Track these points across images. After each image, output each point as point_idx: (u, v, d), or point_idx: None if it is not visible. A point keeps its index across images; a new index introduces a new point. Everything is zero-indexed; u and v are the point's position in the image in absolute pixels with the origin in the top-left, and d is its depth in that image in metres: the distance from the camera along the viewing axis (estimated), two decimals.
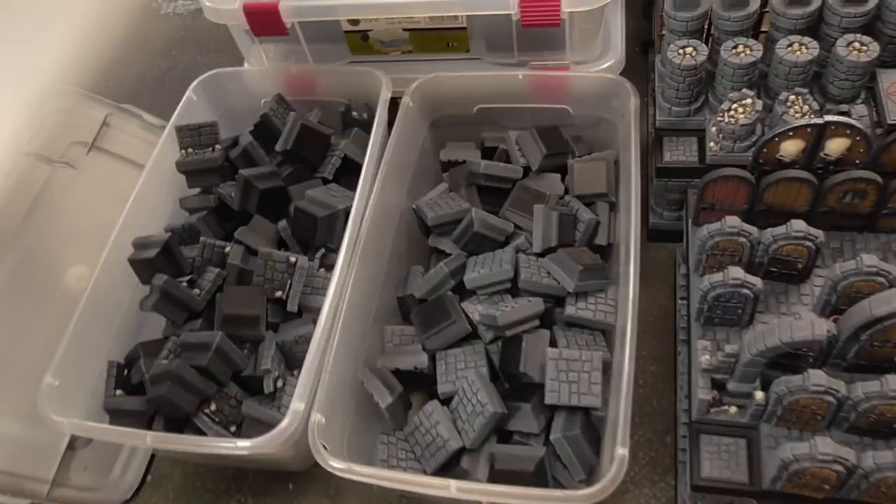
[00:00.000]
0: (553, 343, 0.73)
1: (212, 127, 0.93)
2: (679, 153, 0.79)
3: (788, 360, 0.60)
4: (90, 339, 0.79)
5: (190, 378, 0.73)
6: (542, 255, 0.79)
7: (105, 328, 0.82)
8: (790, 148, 0.66)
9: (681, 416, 0.72)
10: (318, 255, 0.83)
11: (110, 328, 0.83)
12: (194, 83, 0.97)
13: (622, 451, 0.59)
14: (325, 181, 0.89)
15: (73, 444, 0.84)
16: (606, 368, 0.70)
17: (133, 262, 0.83)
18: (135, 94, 1.30)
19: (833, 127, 0.64)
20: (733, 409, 0.61)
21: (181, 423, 0.77)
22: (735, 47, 0.73)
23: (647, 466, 0.77)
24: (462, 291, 0.80)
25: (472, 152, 0.92)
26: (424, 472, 0.71)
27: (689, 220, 0.73)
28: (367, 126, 0.95)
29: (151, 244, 0.83)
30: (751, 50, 0.73)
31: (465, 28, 0.93)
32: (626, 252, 0.74)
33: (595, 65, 0.95)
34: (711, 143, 0.75)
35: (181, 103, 0.95)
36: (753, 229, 0.62)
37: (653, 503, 0.75)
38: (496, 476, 0.67)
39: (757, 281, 0.60)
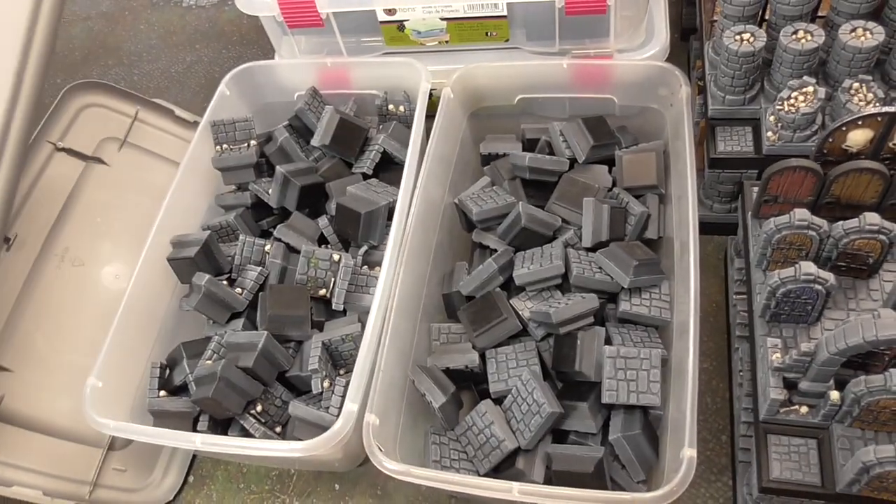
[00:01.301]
0: (607, 340, 0.71)
1: (246, 122, 0.91)
2: (733, 143, 0.77)
3: (862, 358, 0.58)
4: (131, 340, 0.78)
5: (236, 379, 0.71)
6: (591, 249, 0.77)
7: (146, 328, 0.81)
8: (858, 137, 0.63)
9: (740, 415, 0.70)
10: (361, 252, 0.81)
11: (151, 328, 0.81)
12: (227, 77, 0.95)
13: (690, 453, 0.57)
14: (365, 176, 0.87)
15: (114, 445, 0.83)
16: (663, 366, 0.68)
17: (172, 261, 0.82)
18: (161, 88, 1.28)
19: None
20: (804, 409, 0.59)
21: (226, 424, 0.76)
22: (795, 32, 0.70)
23: (703, 465, 0.75)
24: (509, 287, 0.79)
25: (513, 144, 0.90)
26: (477, 473, 0.69)
27: (748, 213, 0.70)
28: (403, 119, 0.93)
29: (190, 243, 0.82)
30: (812, 35, 0.70)
31: (504, 16, 0.91)
32: (681, 246, 0.72)
33: (638, 53, 0.93)
34: (769, 133, 0.73)
35: (214, 98, 0.93)
36: (823, 222, 0.60)
37: (710, 503, 0.74)
38: (554, 477, 0.65)
39: (830, 276, 0.57)
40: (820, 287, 0.58)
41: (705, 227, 0.89)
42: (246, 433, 0.73)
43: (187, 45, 1.34)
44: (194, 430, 0.75)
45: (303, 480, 0.83)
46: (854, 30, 0.69)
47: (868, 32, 0.69)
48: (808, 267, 0.57)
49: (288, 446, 0.64)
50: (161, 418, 0.75)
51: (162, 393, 0.76)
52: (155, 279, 0.82)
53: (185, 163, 0.88)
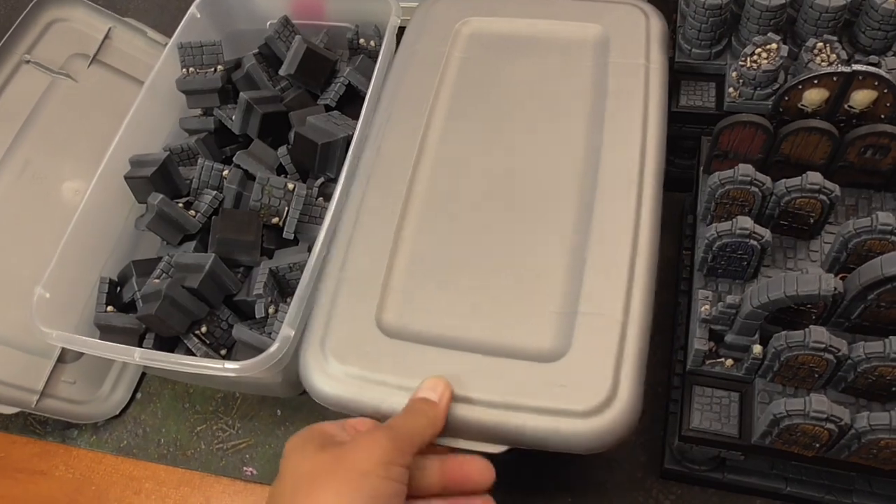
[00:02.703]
0: None
1: (215, 46, 0.90)
2: (696, 98, 0.76)
3: (790, 315, 0.58)
4: (83, 254, 0.78)
5: (181, 299, 0.72)
6: None
7: (99, 244, 0.81)
8: (813, 97, 0.63)
9: (674, 368, 0.71)
10: (318, 183, 0.81)
11: (104, 244, 0.82)
12: (198, 0, 0.93)
13: None
14: (328, 108, 0.86)
15: (64, 358, 0.84)
16: None
17: (129, 180, 0.81)
18: (140, 11, 1.26)
19: (861, 77, 0.61)
20: (729, 362, 0.60)
21: (172, 344, 0.77)
22: None
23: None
24: None
25: None
26: None
27: (700, 169, 0.70)
28: (374, 54, 0.92)
29: (149, 162, 0.82)
30: None
31: None
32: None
33: None
34: (730, 89, 0.72)
35: (184, 20, 0.92)
36: (767, 179, 0.60)
37: (639, 451, 0.75)
38: None
39: (765, 232, 0.57)
40: (755, 243, 0.58)
41: (668, 183, 0.89)
42: (190, 353, 0.74)
43: None
44: (139, 346, 0.75)
45: (247, 404, 0.84)
46: None
47: None
48: (745, 222, 0.57)
49: (222, 365, 0.65)
50: (107, 333, 0.76)
51: (110, 308, 0.77)
52: (111, 196, 0.82)
53: (150, 82, 0.87)
